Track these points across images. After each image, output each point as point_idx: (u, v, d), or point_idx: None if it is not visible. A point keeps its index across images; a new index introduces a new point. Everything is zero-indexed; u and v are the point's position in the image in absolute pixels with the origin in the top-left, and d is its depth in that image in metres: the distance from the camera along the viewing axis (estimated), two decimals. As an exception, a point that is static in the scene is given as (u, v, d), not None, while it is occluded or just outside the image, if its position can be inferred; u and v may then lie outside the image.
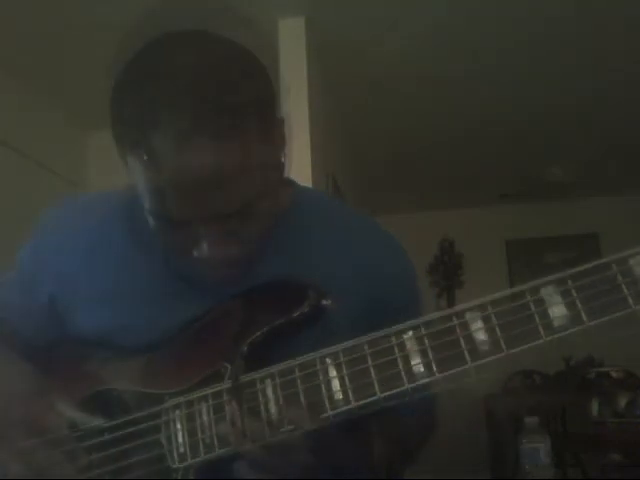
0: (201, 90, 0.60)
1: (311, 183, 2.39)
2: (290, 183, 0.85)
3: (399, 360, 0.59)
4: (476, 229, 4.78)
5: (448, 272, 4.86)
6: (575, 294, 0.56)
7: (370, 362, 0.60)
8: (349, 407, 0.60)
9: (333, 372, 0.61)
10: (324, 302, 0.66)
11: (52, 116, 2.89)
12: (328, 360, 0.61)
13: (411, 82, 2.92)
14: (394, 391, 0.59)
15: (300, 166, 2.22)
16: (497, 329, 0.58)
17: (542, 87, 3.02)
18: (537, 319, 0.57)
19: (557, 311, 0.57)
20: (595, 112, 3.31)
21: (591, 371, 3.63)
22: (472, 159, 3.94)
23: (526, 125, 3.45)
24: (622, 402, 2.80)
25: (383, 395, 0.59)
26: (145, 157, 0.60)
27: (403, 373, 0.59)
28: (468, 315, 0.59)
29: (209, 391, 0.64)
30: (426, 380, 0.59)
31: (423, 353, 0.59)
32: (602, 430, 2.75)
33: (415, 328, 0.60)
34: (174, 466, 0.64)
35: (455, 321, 0.59)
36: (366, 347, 0.61)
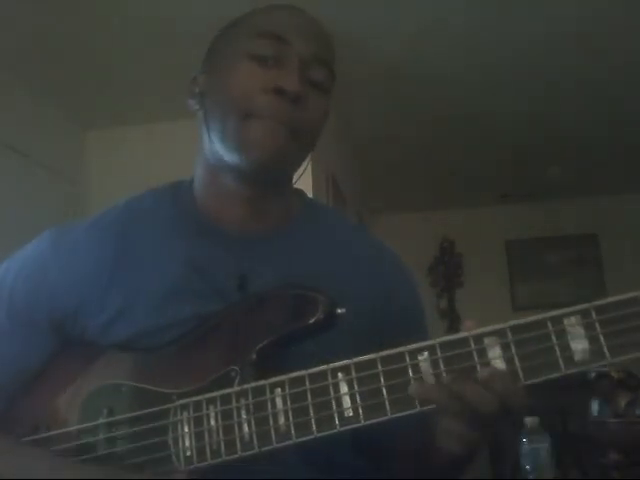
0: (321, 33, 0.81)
1: (311, 183, 2.40)
2: (300, 192, 0.89)
3: (412, 382, 0.58)
4: (476, 229, 4.78)
5: (448, 272, 4.86)
6: (599, 328, 0.54)
7: (383, 382, 0.59)
8: (358, 425, 0.59)
9: (344, 388, 0.60)
10: (338, 310, 0.66)
11: (52, 116, 2.89)
12: (340, 375, 0.60)
13: (411, 82, 2.92)
14: (405, 413, 0.58)
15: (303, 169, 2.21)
16: (516, 359, 0.56)
17: (542, 87, 3.02)
18: (558, 351, 0.55)
19: (579, 345, 0.55)
20: (595, 112, 3.31)
21: (591, 371, 3.62)
22: (472, 159, 3.94)
23: (526, 125, 3.45)
24: (622, 402, 2.80)
25: (394, 416, 0.58)
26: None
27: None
28: (486, 341, 0.57)
29: (217, 394, 0.64)
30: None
31: (437, 377, 0.58)
32: (602, 430, 2.75)
33: (431, 349, 0.59)
34: (180, 469, 0.64)
35: (472, 346, 0.58)
36: (379, 364, 0.59)
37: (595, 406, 2.79)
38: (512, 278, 4.76)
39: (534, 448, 1.78)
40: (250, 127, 0.75)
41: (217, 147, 0.79)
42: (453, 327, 4.59)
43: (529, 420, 1.79)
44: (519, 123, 3.43)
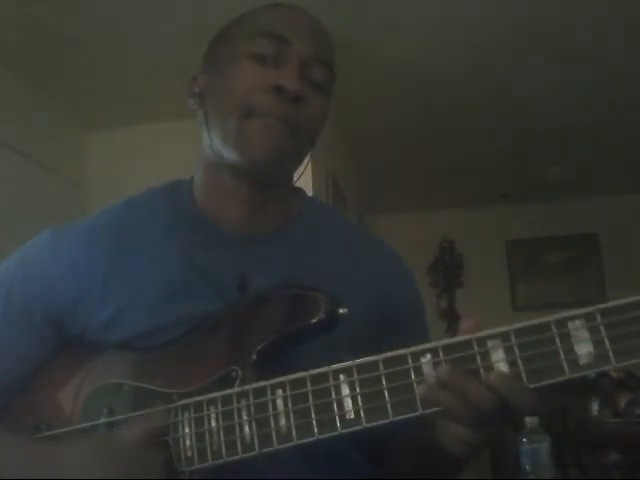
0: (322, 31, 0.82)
1: (311, 183, 2.39)
2: (300, 190, 0.89)
3: (415, 385, 0.58)
4: (476, 229, 4.78)
5: (448, 272, 4.86)
6: (604, 332, 0.54)
7: (385, 384, 0.58)
8: (359, 428, 0.59)
9: (346, 390, 0.59)
10: (340, 311, 0.66)
11: (52, 116, 2.89)
12: (341, 377, 0.60)
13: (411, 82, 2.92)
14: (407, 415, 0.58)
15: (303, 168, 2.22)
16: (519, 362, 0.56)
17: (542, 87, 3.02)
18: (562, 355, 0.55)
19: (584, 348, 0.54)
20: (595, 112, 3.31)
21: (591, 371, 3.61)
22: (472, 159, 3.94)
23: (526, 125, 3.45)
24: (622, 402, 2.80)
25: (395, 419, 0.58)
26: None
27: (418, 399, 0.57)
28: (490, 343, 0.57)
29: (218, 394, 0.64)
30: (440, 408, 0.57)
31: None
32: (602, 430, 2.75)
33: (433, 352, 0.58)
34: (180, 469, 0.64)
35: (476, 349, 0.57)
36: (381, 366, 0.59)
37: (595, 406, 2.79)
38: (512, 278, 4.76)
39: (534, 448, 1.78)
40: (250, 126, 0.75)
41: (217, 146, 0.79)
42: (453, 327, 4.59)
43: (529, 420, 1.79)
44: (519, 123, 3.43)
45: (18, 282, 0.79)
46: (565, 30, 2.53)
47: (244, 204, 0.81)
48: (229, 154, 0.77)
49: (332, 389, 0.60)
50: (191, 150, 0.89)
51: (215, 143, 0.79)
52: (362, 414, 0.58)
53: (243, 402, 0.62)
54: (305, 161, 0.85)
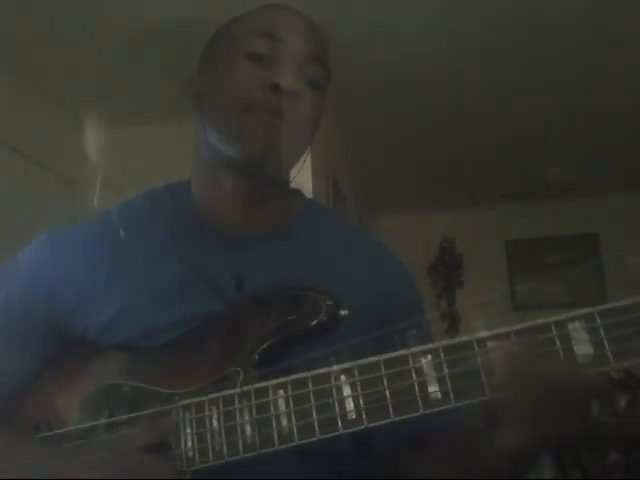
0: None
1: (311, 183, 2.40)
2: (298, 192, 0.90)
3: (416, 385, 0.58)
4: (476, 229, 4.78)
5: (448, 272, 4.86)
6: (603, 333, 0.54)
7: (386, 384, 0.58)
8: (361, 428, 0.59)
9: (347, 391, 0.59)
10: (342, 312, 0.66)
11: (53, 117, 2.89)
12: (343, 377, 0.60)
13: (411, 83, 2.92)
14: (408, 415, 0.58)
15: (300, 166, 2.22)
16: None
17: (542, 87, 3.02)
18: (562, 356, 0.55)
19: (583, 350, 0.55)
20: (595, 112, 3.31)
21: (591, 371, 3.60)
22: (472, 159, 3.94)
23: (526, 125, 3.45)
24: (622, 402, 2.80)
25: (397, 419, 0.58)
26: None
27: (419, 399, 0.58)
28: (490, 344, 0.57)
29: (220, 394, 0.64)
30: (442, 408, 0.57)
31: (441, 381, 0.58)
32: (602, 430, 2.75)
33: (434, 352, 0.58)
34: (182, 469, 0.64)
35: (476, 349, 0.57)
36: (382, 367, 0.59)
37: (595, 406, 2.80)
38: (512, 278, 4.76)
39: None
40: (248, 120, 0.76)
41: (215, 144, 0.79)
42: (453, 327, 4.59)
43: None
44: (519, 123, 3.43)
45: (19, 286, 0.79)
46: (565, 30, 2.53)
47: (242, 203, 0.81)
48: (227, 149, 0.78)
49: (333, 389, 0.60)
50: (191, 150, 0.89)
51: (212, 141, 0.80)
52: (363, 414, 0.59)
53: (245, 402, 0.62)
54: (302, 159, 0.85)
